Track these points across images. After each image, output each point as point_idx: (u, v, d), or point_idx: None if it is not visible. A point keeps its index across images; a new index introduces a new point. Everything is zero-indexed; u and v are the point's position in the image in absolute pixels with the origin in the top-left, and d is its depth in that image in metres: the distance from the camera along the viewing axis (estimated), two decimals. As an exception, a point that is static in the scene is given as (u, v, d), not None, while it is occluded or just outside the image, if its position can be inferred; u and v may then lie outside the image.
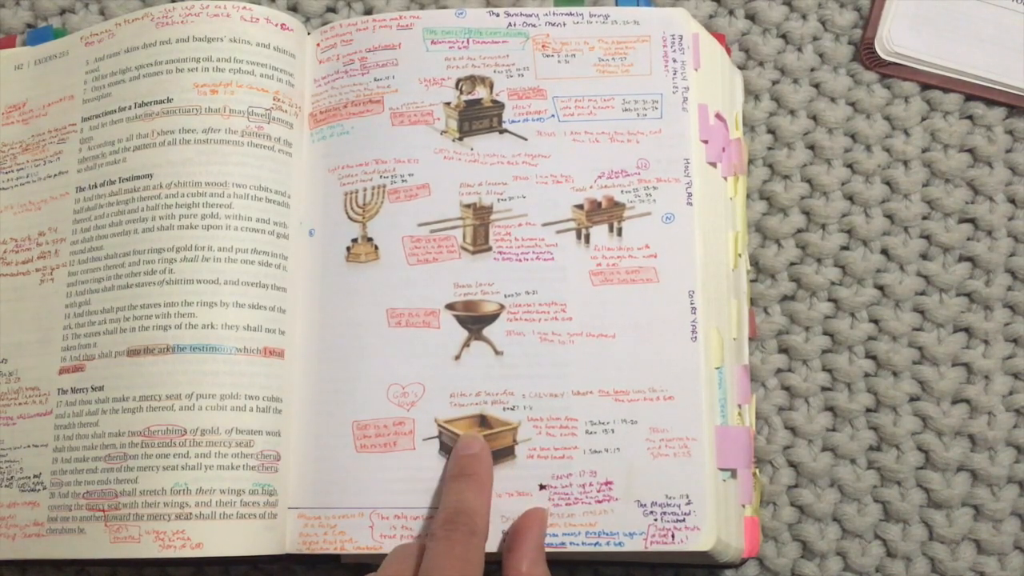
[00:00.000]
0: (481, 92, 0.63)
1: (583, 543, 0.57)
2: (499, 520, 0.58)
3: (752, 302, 0.65)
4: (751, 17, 0.69)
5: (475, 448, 0.58)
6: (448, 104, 0.63)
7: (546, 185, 0.62)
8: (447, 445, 0.59)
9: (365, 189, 0.62)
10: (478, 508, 0.56)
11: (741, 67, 0.68)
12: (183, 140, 0.61)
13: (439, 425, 0.59)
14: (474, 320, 0.60)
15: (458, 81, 0.63)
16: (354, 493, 0.59)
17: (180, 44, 0.63)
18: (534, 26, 0.63)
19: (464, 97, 0.63)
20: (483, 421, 0.59)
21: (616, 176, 0.61)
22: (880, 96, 0.67)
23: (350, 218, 0.62)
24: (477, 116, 0.63)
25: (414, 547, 0.56)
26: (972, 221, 0.66)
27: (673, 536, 0.56)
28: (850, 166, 0.67)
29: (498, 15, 0.64)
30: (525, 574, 0.55)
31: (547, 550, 0.57)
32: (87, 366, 0.61)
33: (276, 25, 0.64)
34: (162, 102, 0.62)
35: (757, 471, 0.63)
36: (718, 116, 0.63)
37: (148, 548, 0.57)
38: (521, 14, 0.64)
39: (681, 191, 0.60)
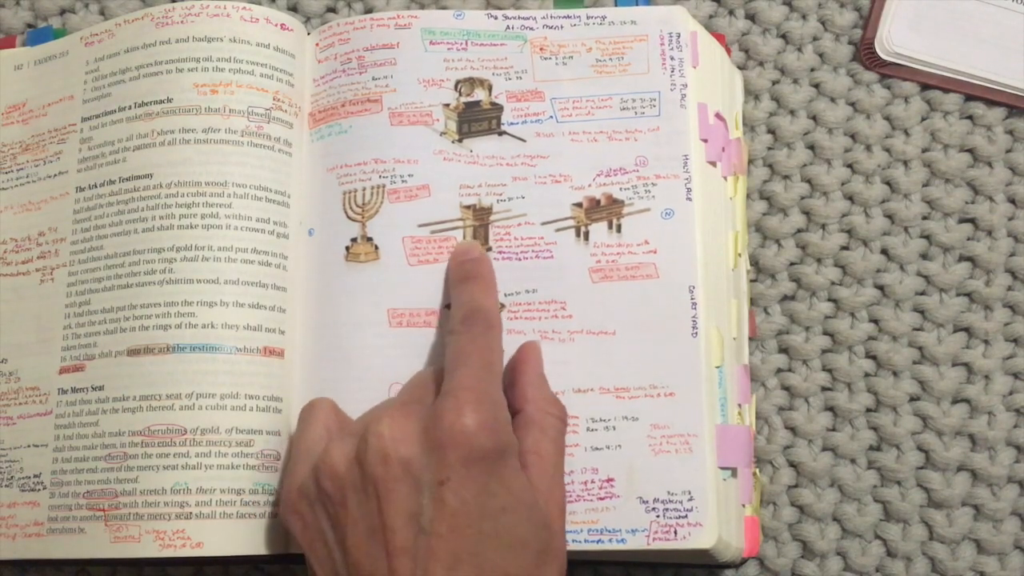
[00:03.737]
0: (480, 94, 0.63)
1: (585, 540, 0.57)
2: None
3: (752, 302, 0.65)
4: (751, 17, 0.69)
5: (475, 253, 0.60)
6: (447, 105, 0.63)
7: (545, 185, 0.62)
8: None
9: (364, 189, 0.62)
10: (490, 306, 0.58)
11: (741, 67, 0.68)
12: (183, 140, 0.61)
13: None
14: (474, 319, 0.60)
15: (457, 83, 0.63)
16: (354, 493, 0.59)
17: (180, 44, 0.63)
18: (532, 29, 0.64)
19: (463, 99, 0.63)
20: (483, 420, 0.59)
21: (615, 174, 0.61)
22: (880, 96, 0.67)
23: (349, 217, 0.62)
24: (476, 118, 0.63)
25: (432, 369, 0.58)
26: (972, 221, 0.66)
27: (675, 533, 0.56)
28: (850, 166, 0.67)
29: (496, 18, 0.64)
30: (531, 398, 0.56)
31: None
32: (87, 366, 0.61)
33: (276, 25, 0.64)
34: (162, 102, 0.62)
35: (757, 471, 0.63)
36: (718, 116, 0.63)
37: (148, 548, 0.57)
38: (519, 17, 0.64)
39: (680, 187, 0.60)
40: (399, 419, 0.52)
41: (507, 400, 0.57)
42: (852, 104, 0.67)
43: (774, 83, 0.68)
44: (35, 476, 0.61)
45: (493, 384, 0.54)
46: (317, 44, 0.65)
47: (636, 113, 0.62)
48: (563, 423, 0.57)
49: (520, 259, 0.61)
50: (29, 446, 0.62)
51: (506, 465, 0.52)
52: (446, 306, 0.60)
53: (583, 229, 0.61)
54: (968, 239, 0.66)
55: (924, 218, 0.66)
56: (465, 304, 0.58)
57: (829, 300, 0.65)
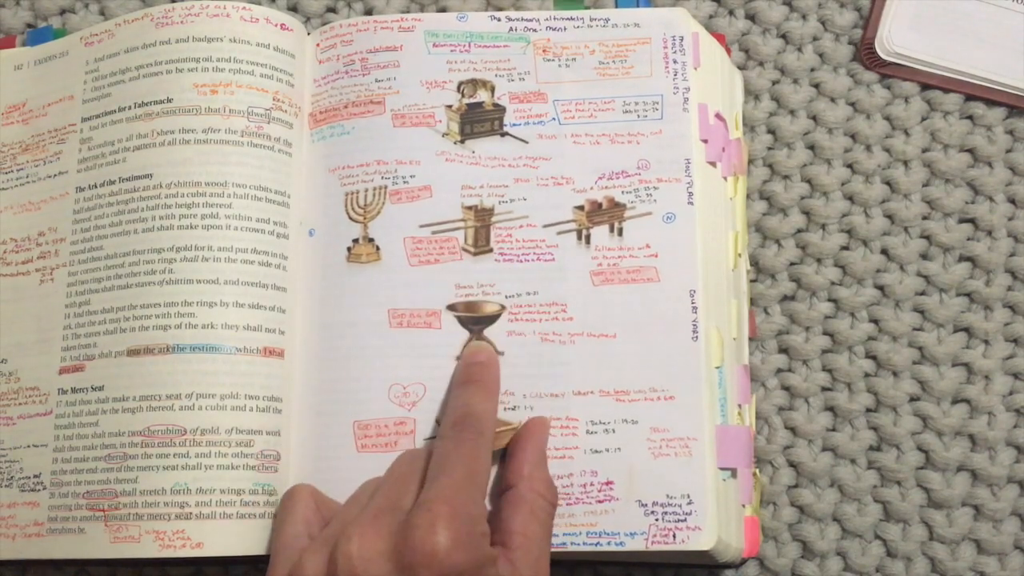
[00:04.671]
0: (482, 95, 0.63)
1: (584, 543, 0.57)
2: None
3: (752, 302, 0.65)
4: (751, 17, 0.69)
5: (482, 357, 0.59)
6: (450, 107, 0.63)
7: (547, 187, 0.62)
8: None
9: (366, 190, 0.62)
10: (485, 413, 0.57)
11: (741, 67, 0.68)
12: (183, 140, 0.61)
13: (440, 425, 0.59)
14: (475, 321, 0.60)
15: (460, 84, 0.63)
16: (355, 493, 0.59)
17: (180, 44, 0.63)
18: (535, 31, 0.64)
19: (465, 100, 0.63)
20: (484, 421, 0.59)
21: (616, 177, 0.61)
22: (880, 96, 0.67)
23: (351, 218, 0.62)
24: (478, 119, 0.63)
25: (422, 451, 0.57)
26: (972, 221, 0.66)
27: (674, 536, 0.56)
28: (850, 166, 0.67)
29: (499, 20, 0.64)
30: (527, 476, 0.56)
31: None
32: (87, 366, 0.61)
33: (276, 25, 0.64)
34: (162, 102, 0.62)
35: (757, 471, 0.63)
36: (718, 116, 0.63)
37: (148, 548, 0.57)
38: (522, 19, 0.64)
39: (682, 191, 0.60)
40: (369, 535, 0.51)
41: (502, 473, 0.57)
42: (852, 104, 0.67)
43: (774, 83, 0.68)
44: (35, 476, 0.61)
45: (473, 496, 0.53)
46: (318, 44, 0.65)
47: (638, 116, 0.62)
48: (553, 507, 0.56)
49: (521, 261, 0.61)
50: (29, 446, 0.62)
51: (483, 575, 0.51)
52: (449, 306, 0.61)
53: (584, 232, 0.61)
54: (968, 239, 0.66)
55: (924, 218, 0.66)
56: (459, 408, 0.57)
57: (829, 300, 0.65)
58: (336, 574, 0.51)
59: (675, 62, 0.62)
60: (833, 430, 0.64)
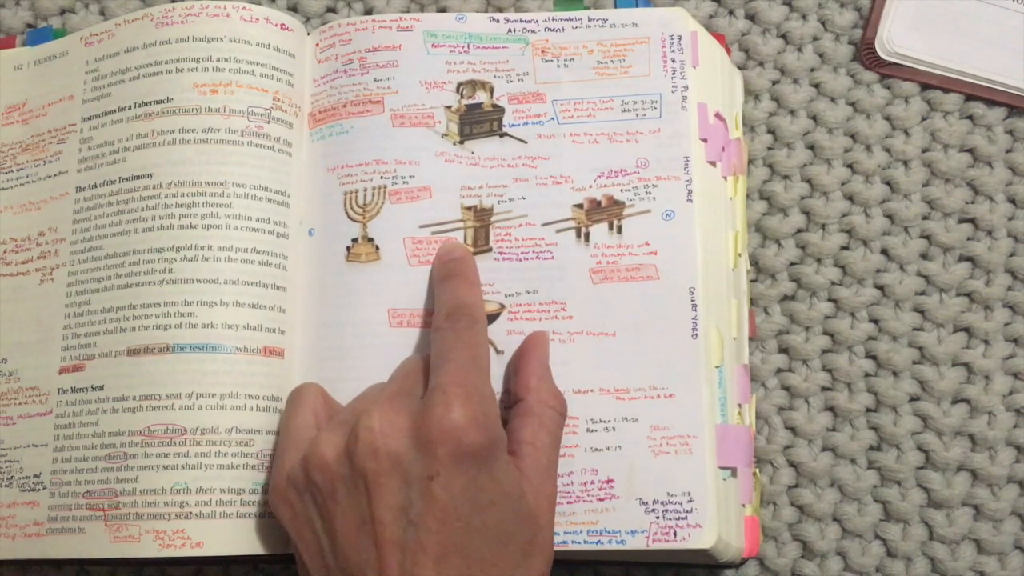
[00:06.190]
0: (482, 96, 0.63)
1: (585, 541, 0.57)
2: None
3: (752, 302, 0.65)
4: (751, 17, 0.69)
5: (458, 252, 0.60)
6: (449, 108, 0.63)
7: (546, 186, 0.62)
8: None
9: (365, 189, 0.62)
10: (474, 302, 0.58)
11: (741, 67, 0.68)
12: (183, 140, 0.61)
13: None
14: (475, 320, 0.60)
15: (459, 85, 0.63)
16: (354, 493, 0.59)
17: (180, 44, 0.63)
18: (533, 32, 0.64)
19: (465, 101, 0.63)
20: (483, 420, 0.59)
21: (615, 175, 0.61)
22: (880, 96, 0.67)
23: (350, 218, 0.62)
24: (478, 120, 0.63)
25: (420, 357, 0.58)
26: (972, 221, 0.66)
27: (675, 534, 0.56)
28: (850, 166, 0.67)
29: (498, 21, 0.64)
30: (534, 388, 0.57)
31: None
32: (87, 366, 0.61)
33: (276, 25, 0.64)
34: (162, 102, 0.62)
35: (757, 471, 0.63)
36: (718, 116, 0.63)
37: (148, 547, 0.57)
38: (520, 20, 0.64)
39: (681, 188, 0.60)
40: (389, 413, 0.53)
41: (510, 388, 0.58)
42: (852, 104, 0.67)
43: (774, 83, 0.68)
44: (35, 476, 0.61)
45: (481, 379, 0.55)
46: (317, 44, 0.65)
47: (637, 115, 0.62)
48: (562, 416, 0.57)
49: (521, 260, 0.61)
50: (29, 446, 0.62)
51: (495, 459, 0.52)
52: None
53: (584, 230, 0.61)
54: (968, 239, 0.66)
55: (924, 218, 0.66)
56: (449, 301, 0.58)
57: (829, 300, 0.65)
58: (356, 448, 0.52)
59: (673, 61, 0.62)
60: (833, 430, 0.64)
